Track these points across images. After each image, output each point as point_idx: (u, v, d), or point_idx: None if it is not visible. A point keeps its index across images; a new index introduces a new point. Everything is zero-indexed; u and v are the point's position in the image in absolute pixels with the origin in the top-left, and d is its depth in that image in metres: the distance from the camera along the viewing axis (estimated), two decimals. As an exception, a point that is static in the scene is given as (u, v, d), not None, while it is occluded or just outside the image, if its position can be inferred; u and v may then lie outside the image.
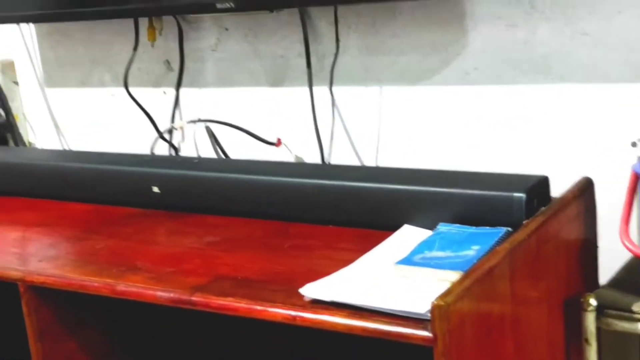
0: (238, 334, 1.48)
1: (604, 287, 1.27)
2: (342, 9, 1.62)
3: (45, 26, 2.01)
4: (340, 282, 1.11)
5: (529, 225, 1.18)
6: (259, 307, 1.09)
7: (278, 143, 1.74)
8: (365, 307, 1.03)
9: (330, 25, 1.64)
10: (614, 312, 1.20)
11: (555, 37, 1.46)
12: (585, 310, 1.21)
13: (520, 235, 1.15)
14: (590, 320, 1.21)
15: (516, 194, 1.22)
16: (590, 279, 1.34)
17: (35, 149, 2.08)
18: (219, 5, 1.59)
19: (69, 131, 2.06)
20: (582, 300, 1.22)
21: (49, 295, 1.30)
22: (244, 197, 1.46)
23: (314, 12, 1.66)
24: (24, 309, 1.30)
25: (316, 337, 1.27)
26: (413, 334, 0.98)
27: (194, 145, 1.86)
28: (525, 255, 1.15)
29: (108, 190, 1.60)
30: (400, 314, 1.00)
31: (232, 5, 1.57)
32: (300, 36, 1.67)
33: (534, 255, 1.17)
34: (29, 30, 2.05)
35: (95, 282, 1.23)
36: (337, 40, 1.64)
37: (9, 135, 2.07)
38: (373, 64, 1.63)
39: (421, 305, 0.99)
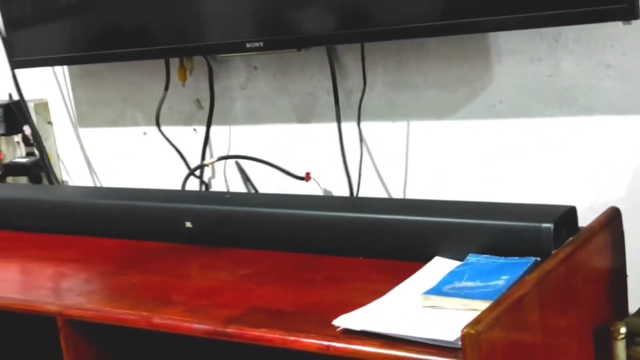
0: None
1: (634, 315, 1.27)
2: (368, 46, 1.63)
3: (77, 68, 2.03)
4: (372, 312, 1.12)
5: (557, 255, 1.18)
6: (292, 338, 1.10)
7: (307, 178, 1.74)
8: (396, 336, 1.04)
9: (357, 61, 1.65)
10: None
11: (579, 70, 1.46)
12: (616, 339, 1.21)
13: (549, 264, 1.15)
14: (620, 349, 1.21)
15: (544, 224, 1.22)
16: (619, 308, 1.34)
17: (69, 187, 2.10)
18: (248, 45, 1.61)
19: (102, 169, 2.08)
20: (612, 328, 1.22)
21: (87, 329, 1.31)
22: (275, 231, 1.47)
23: (341, 49, 1.67)
24: (62, 343, 1.31)
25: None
26: None
27: (224, 181, 1.88)
28: (555, 285, 1.15)
29: (141, 226, 1.61)
30: (431, 342, 1.01)
31: (261, 44, 1.60)
32: (327, 73, 1.69)
33: (563, 284, 1.18)
34: (62, 71, 2.07)
35: (132, 315, 1.24)
36: (364, 76, 1.64)
37: (42, 174, 2.07)
38: (400, 99, 1.64)
39: (451, 334, 0.99)
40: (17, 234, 1.75)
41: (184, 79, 1.85)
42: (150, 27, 1.75)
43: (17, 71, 2.02)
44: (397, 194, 1.68)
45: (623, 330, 1.21)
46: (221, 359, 1.49)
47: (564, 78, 1.48)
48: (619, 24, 1.35)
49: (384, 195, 1.69)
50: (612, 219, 1.32)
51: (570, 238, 1.24)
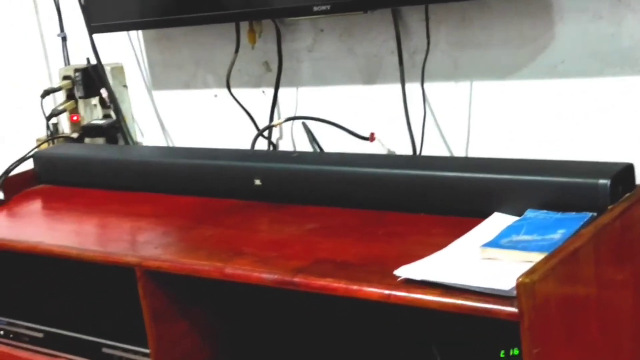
0: (329, 316, 1.50)
1: None
2: (432, 7, 1.62)
3: (152, 32, 2.05)
4: (432, 263, 1.15)
5: (613, 210, 1.19)
6: (355, 287, 1.12)
7: (372, 138, 1.74)
8: (454, 285, 1.06)
9: (421, 22, 1.64)
10: None
11: None
12: None
13: (605, 219, 1.16)
14: None
15: (601, 181, 1.23)
16: None
17: (144, 147, 2.12)
18: (315, 8, 1.60)
19: (174, 130, 2.10)
20: None
21: (163, 280, 1.35)
22: (340, 188, 1.48)
23: (405, 10, 1.66)
24: (140, 292, 1.35)
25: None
26: (500, 310, 1.00)
27: (292, 141, 1.89)
28: (610, 239, 1.16)
29: (213, 184, 1.63)
30: (488, 291, 1.03)
31: (328, 7, 1.59)
32: (392, 34, 1.68)
33: (619, 239, 1.19)
34: (136, 36, 2.09)
35: (205, 266, 1.28)
36: (428, 36, 1.63)
37: (119, 135, 2.07)
38: (463, 59, 1.64)
39: (507, 283, 1.01)
40: (97, 191, 1.78)
41: (253, 41, 1.85)
42: None
43: (95, 36, 2.03)
44: (459, 153, 1.68)
45: None
46: (288, 310, 1.52)
47: (626, 37, 1.46)
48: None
49: (447, 154, 1.69)
50: None
51: (627, 194, 1.25)
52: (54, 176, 1.91)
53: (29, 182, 1.91)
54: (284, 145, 1.91)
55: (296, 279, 1.19)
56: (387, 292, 1.11)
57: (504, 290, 1.03)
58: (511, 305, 1.00)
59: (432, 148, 1.71)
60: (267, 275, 1.22)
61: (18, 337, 1.72)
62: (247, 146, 1.88)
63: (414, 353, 1.38)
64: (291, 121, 1.88)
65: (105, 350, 1.56)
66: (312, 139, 1.83)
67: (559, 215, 1.24)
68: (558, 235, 1.15)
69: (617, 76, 1.49)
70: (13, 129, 2.37)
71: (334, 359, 1.41)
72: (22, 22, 2.27)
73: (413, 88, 1.69)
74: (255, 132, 1.88)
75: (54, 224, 1.63)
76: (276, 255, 1.29)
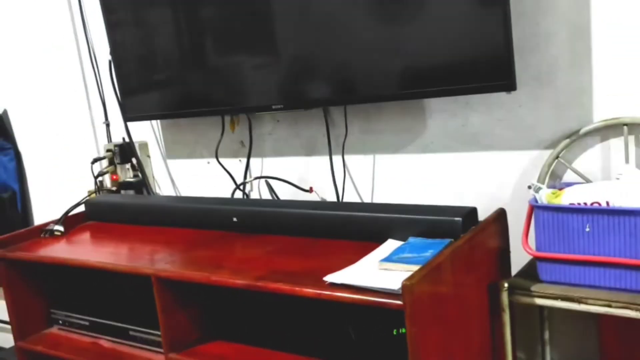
0: (281, 309, 1.49)
1: (514, 276, 1.29)
2: (348, 107, 1.63)
3: (166, 121, 2.03)
4: (348, 272, 1.15)
5: (464, 237, 1.21)
6: (297, 288, 1.13)
7: (310, 190, 1.74)
8: (362, 286, 1.07)
9: (342, 116, 1.65)
10: (519, 291, 1.22)
11: (481, 122, 1.46)
12: (502, 291, 1.23)
13: (459, 243, 1.18)
14: (504, 297, 1.23)
15: (456, 218, 1.25)
16: (505, 271, 1.35)
17: (160, 196, 2.08)
18: (273, 107, 1.61)
19: (181, 185, 2.06)
20: (499, 284, 1.24)
21: (170, 285, 1.33)
22: (289, 223, 1.47)
23: (332, 109, 1.67)
24: (155, 293, 1.33)
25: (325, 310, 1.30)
26: (392, 303, 1.02)
27: (258, 192, 1.87)
28: (462, 256, 1.17)
29: (205, 220, 1.61)
30: (383, 290, 1.04)
31: (282, 106, 1.60)
32: (323, 124, 1.68)
33: (467, 256, 1.20)
34: (156, 123, 2.07)
35: (198, 275, 1.27)
36: (346, 126, 1.64)
37: (144, 189, 2.06)
38: (368, 141, 1.64)
39: (396, 285, 1.03)
40: (127, 226, 1.76)
41: (233, 128, 1.86)
42: (213, 97, 1.73)
43: (128, 123, 2.03)
44: (367, 200, 1.68)
45: (506, 285, 1.23)
46: (253, 305, 1.50)
47: (472, 127, 1.48)
48: (504, 93, 1.41)
49: (359, 200, 1.69)
50: (500, 216, 1.34)
51: (473, 227, 1.26)
52: (98, 216, 1.87)
53: (81, 220, 1.87)
54: (253, 195, 1.89)
55: (258, 283, 1.19)
56: (318, 291, 1.11)
57: (394, 290, 1.03)
58: (399, 300, 1.01)
59: (349, 196, 1.70)
60: (239, 281, 1.21)
61: (71, 324, 1.68)
62: (229, 195, 1.87)
63: (336, 333, 1.36)
64: (258, 179, 1.86)
65: (131, 333, 1.54)
66: (272, 191, 1.81)
67: (429, 240, 1.24)
68: (429, 253, 1.16)
69: (466, 152, 1.51)
70: (73, 184, 2.33)
71: (284, 338, 1.39)
72: (77, 113, 2.25)
73: (337, 159, 1.70)
74: (234, 186, 1.86)
75: (97, 247, 1.60)
76: (246, 268, 1.28)
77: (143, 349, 1.51)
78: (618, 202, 1.15)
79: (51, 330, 1.71)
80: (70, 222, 1.82)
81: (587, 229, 1.16)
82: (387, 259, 1.16)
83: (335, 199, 1.70)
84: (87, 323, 1.63)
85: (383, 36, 1.41)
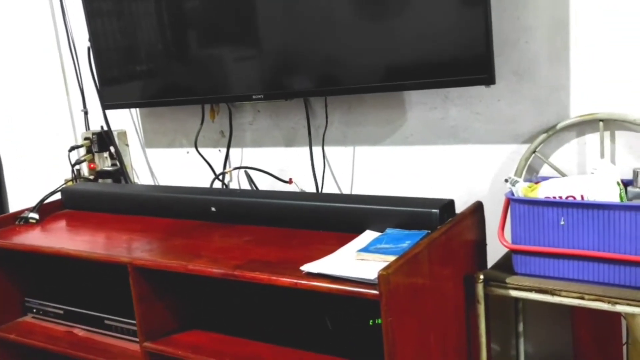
0: (258, 298, 1.49)
1: (490, 268, 1.30)
2: (329, 98, 1.63)
3: (146, 109, 2.01)
4: (325, 262, 1.15)
5: (441, 229, 1.21)
6: (274, 277, 1.12)
7: (290, 181, 1.75)
8: (339, 276, 1.07)
9: (322, 108, 1.65)
10: (494, 283, 1.23)
11: (460, 115, 1.48)
12: (477, 282, 1.24)
13: (435, 235, 1.18)
14: (480, 288, 1.24)
15: (433, 210, 1.25)
16: (481, 263, 1.36)
17: (138, 185, 2.05)
18: (254, 97, 1.61)
19: (160, 175, 2.05)
20: (475, 276, 1.25)
21: (146, 274, 1.32)
22: (268, 213, 1.46)
23: (313, 100, 1.67)
24: (131, 282, 1.32)
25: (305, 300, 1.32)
26: (368, 292, 1.02)
27: (238, 183, 1.86)
28: (438, 248, 1.17)
29: (183, 210, 1.59)
30: (360, 280, 1.04)
31: (262, 96, 1.60)
32: (304, 115, 1.68)
33: (444, 247, 1.20)
34: (135, 112, 2.05)
35: (175, 264, 1.25)
36: (327, 117, 1.65)
37: (122, 178, 2.04)
38: (349, 133, 1.64)
39: (372, 275, 1.03)
40: (104, 214, 1.74)
41: (213, 117, 1.85)
42: (193, 85, 1.72)
43: (107, 111, 2.01)
44: (346, 191, 1.68)
45: (482, 277, 1.24)
46: (230, 295, 1.49)
47: (451, 120, 1.49)
48: (483, 87, 1.42)
49: (338, 192, 1.69)
50: (477, 208, 1.34)
51: (450, 219, 1.26)
52: (75, 204, 1.85)
53: (57, 208, 1.85)
54: (232, 185, 1.88)
55: (236, 272, 1.18)
56: (295, 280, 1.11)
57: (370, 280, 1.03)
58: (375, 289, 1.01)
59: (329, 188, 1.71)
60: (216, 270, 1.20)
61: (46, 313, 1.66)
62: (208, 185, 1.86)
63: (313, 323, 1.36)
64: (237, 170, 1.85)
65: (106, 322, 1.52)
66: (251, 182, 1.81)
67: (406, 232, 1.25)
68: (406, 244, 1.16)
69: (445, 145, 1.52)
70: (49, 172, 2.29)
71: (261, 328, 1.38)
72: (55, 101, 2.22)
73: (317, 150, 1.70)
74: (213, 176, 1.86)
75: (73, 236, 1.57)
76: (223, 257, 1.27)
77: (118, 338, 1.49)
78: (592, 196, 1.16)
79: (25, 319, 1.69)
80: (46, 210, 1.79)
81: (562, 222, 1.17)
82: (365, 250, 1.17)
83: (314, 191, 1.70)
84: (61, 312, 1.62)
85: (365, 29, 1.41)
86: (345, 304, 1.29)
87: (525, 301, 1.43)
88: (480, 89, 1.43)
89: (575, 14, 1.31)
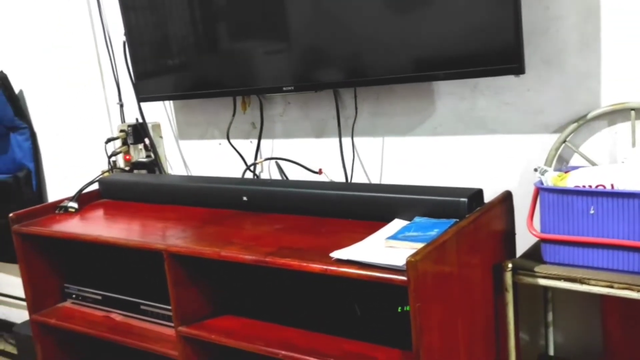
0: (289, 285, 1.50)
1: (519, 257, 1.30)
2: (359, 89, 1.63)
3: (179, 102, 2.03)
4: (354, 249, 1.16)
5: (469, 218, 1.21)
6: (305, 264, 1.14)
7: (320, 172, 1.75)
8: (368, 263, 1.08)
9: (351, 98, 1.65)
10: (523, 272, 1.23)
11: (488, 106, 1.47)
12: (505, 271, 1.24)
13: (464, 223, 1.19)
14: (508, 277, 1.24)
15: (462, 199, 1.25)
16: (509, 252, 1.36)
17: (172, 176, 2.07)
18: (284, 89, 1.62)
19: (193, 166, 2.07)
20: (503, 264, 1.25)
21: (181, 260, 1.35)
22: (298, 202, 1.47)
23: (342, 91, 1.67)
24: (166, 268, 1.35)
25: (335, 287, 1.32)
26: (396, 279, 1.03)
27: (269, 173, 1.87)
28: (467, 236, 1.18)
29: (216, 200, 1.61)
30: (388, 267, 1.06)
31: (292, 88, 1.61)
32: (334, 106, 1.69)
33: (472, 236, 1.20)
34: (169, 105, 2.07)
35: (208, 250, 1.28)
36: (356, 108, 1.65)
37: (156, 169, 2.07)
38: (378, 123, 1.64)
39: (401, 261, 1.04)
40: (140, 204, 1.77)
41: (244, 109, 1.86)
42: (224, 78, 1.74)
43: (142, 104, 2.04)
44: (375, 181, 1.68)
45: (510, 266, 1.24)
46: (262, 282, 1.51)
47: (479, 110, 1.49)
48: (512, 77, 1.40)
49: (367, 182, 1.69)
50: (506, 198, 1.35)
51: (478, 208, 1.26)
52: (112, 194, 1.89)
53: (95, 197, 1.89)
54: (263, 176, 1.89)
55: (267, 259, 1.20)
56: (325, 267, 1.12)
57: (399, 266, 1.05)
58: (403, 275, 1.02)
59: (358, 178, 1.71)
60: (248, 257, 1.23)
61: (84, 298, 1.71)
62: (239, 176, 1.88)
63: (342, 309, 1.38)
64: (268, 160, 1.87)
65: (142, 307, 1.56)
66: (282, 172, 1.82)
67: (435, 220, 1.25)
68: (434, 232, 1.17)
69: (473, 135, 1.51)
70: (86, 164, 2.35)
71: (291, 313, 1.41)
72: (92, 94, 2.27)
73: (346, 141, 1.70)
74: (244, 167, 1.88)
75: (110, 224, 1.62)
76: (254, 244, 1.29)
77: (154, 322, 1.53)
78: (622, 185, 1.15)
79: (65, 304, 1.74)
80: (84, 200, 1.84)
81: (592, 212, 1.17)
82: (393, 237, 1.18)
83: (344, 180, 1.71)
84: (99, 297, 1.66)
85: (394, 20, 1.42)
86: (374, 291, 1.30)
87: (555, 290, 1.43)
88: (510, 78, 1.43)
89: (605, 1, 1.30)
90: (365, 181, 1.70)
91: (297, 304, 1.45)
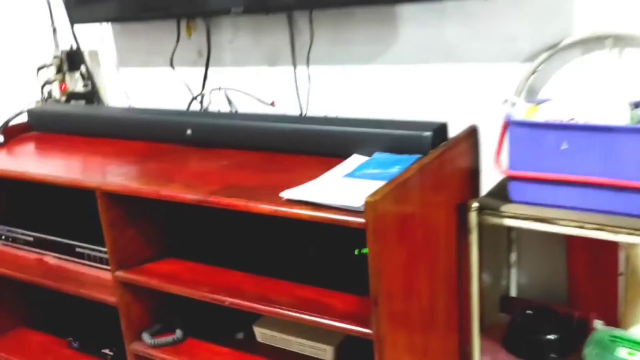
0: (236, 228, 1.44)
1: (484, 196, 1.24)
2: (315, 13, 1.55)
3: (119, 25, 1.92)
4: (307, 188, 1.08)
5: (433, 154, 1.15)
6: (252, 204, 1.06)
7: (273, 104, 1.68)
8: (322, 203, 1.01)
9: (307, 23, 1.56)
10: (489, 212, 1.18)
11: (456, 32, 1.39)
12: (470, 210, 1.19)
13: (427, 160, 1.13)
14: (473, 217, 1.19)
15: (425, 133, 1.19)
16: (474, 191, 1.31)
17: (111, 107, 1.97)
18: (233, 10, 1.51)
19: (134, 96, 1.97)
20: (468, 204, 1.19)
21: (116, 199, 1.26)
22: (247, 137, 1.40)
23: (297, 15, 1.58)
24: (99, 208, 1.25)
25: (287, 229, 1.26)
26: (353, 221, 0.96)
27: (217, 106, 1.78)
28: (430, 174, 1.12)
29: (157, 133, 1.54)
30: (345, 207, 0.98)
31: (242, 9, 1.50)
32: (287, 31, 1.60)
33: (436, 173, 1.14)
34: (108, 28, 1.95)
35: (146, 189, 1.19)
36: (312, 34, 1.57)
37: (95, 100, 1.97)
38: (336, 51, 1.56)
39: (358, 202, 0.97)
40: (75, 137, 1.67)
41: (189, 33, 1.75)
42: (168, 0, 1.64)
43: (77, 27, 1.89)
44: (331, 114, 1.60)
45: (475, 205, 1.19)
46: (205, 223, 1.44)
47: (446, 38, 1.40)
48: (481, 1, 1.30)
49: (323, 115, 1.61)
50: (472, 133, 1.29)
51: (442, 143, 1.20)
52: (43, 126, 1.77)
53: (24, 130, 1.76)
54: (211, 108, 1.80)
55: (211, 198, 1.11)
56: (274, 207, 1.05)
57: (356, 207, 0.98)
58: (361, 217, 0.96)
59: (314, 111, 1.63)
60: (190, 196, 1.14)
61: (15, 240, 1.60)
62: (185, 107, 1.78)
63: (296, 253, 1.31)
64: (216, 90, 1.77)
65: (77, 249, 1.47)
66: (231, 104, 1.73)
67: (397, 156, 1.19)
68: (395, 169, 1.10)
69: (439, 64, 1.44)
70: (17, 94, 2.18)
71: (240, 257, 1.33)
72: (23, 16, 2.08)
73: (301, 70, 1.62)
74: (191, 97, 1.78)
75: (40, 159, 1.49)
76: (198, 182, 1.20)
77: (90, 266, 1.44)
78: (597, 119, 1.08)
79: (-6, 246, 1.62)
80: (11, 133, 1.71)
81: (563, 147, 1.10)
82: (351, 175, 1.11)
83: (298, 113, 1.63)
84: (31, 239, 1.55)
85: None
86: (329, 232, 1.23)
87: (519, 230, 1.38)
88: (479, 3, 1.33)
89: None
90: (322, 114, 1.62)
91: (246, 247, 1.38)
